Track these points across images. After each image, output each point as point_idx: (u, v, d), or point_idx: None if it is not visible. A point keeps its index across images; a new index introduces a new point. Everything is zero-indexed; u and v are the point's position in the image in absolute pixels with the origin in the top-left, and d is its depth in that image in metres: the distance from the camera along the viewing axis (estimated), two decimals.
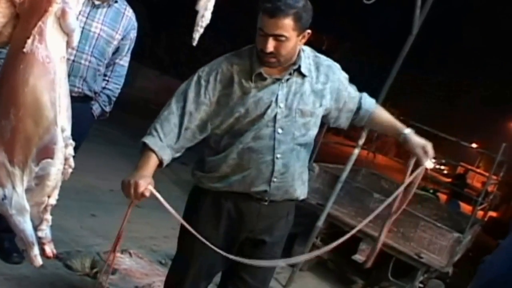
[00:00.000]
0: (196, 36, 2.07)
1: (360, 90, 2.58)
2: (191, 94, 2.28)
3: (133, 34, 3.18)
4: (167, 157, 2.25)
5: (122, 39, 3.11)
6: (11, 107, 1.50)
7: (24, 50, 1.47)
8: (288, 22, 2.13)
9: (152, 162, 2.21)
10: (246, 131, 2.29)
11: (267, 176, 2.32)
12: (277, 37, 2.16)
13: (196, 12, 2.05)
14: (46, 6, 1.47)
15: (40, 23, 1.47)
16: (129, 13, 3.13)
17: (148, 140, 2.22)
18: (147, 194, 2.10)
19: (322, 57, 2.44)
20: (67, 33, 1.53)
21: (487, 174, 7.53)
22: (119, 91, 3.30)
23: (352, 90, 2.51)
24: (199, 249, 2.36)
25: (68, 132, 1.63)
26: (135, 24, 3.16)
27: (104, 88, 3.21)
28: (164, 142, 2.24)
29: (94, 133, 7.73)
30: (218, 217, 2.38)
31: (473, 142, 20.08)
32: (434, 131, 6.23)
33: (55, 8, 1.48)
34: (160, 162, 2.24)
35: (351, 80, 2.54)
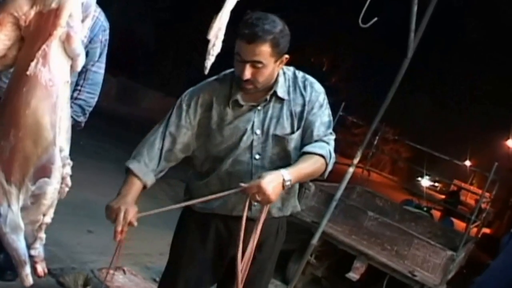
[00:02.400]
0: (208, 64, 2.09)
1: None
2: (173, 118, 2.32)
3: (104, 37, 2.86)
4: (150, 182, 2.28)
5: (89, 42, 2.80)
6: (12, 127, 1.51)
7: (28, 72, 1.48)
8: (265, 49, 2.12)
9: (136, 187, 2.24)
10: (225, 157, 2.31)
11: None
12: (254, 64, 2.14)
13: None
14: (51, 29, 1.48)
15: (44, 46, 1.48)
16: (96, 13, 2.80)
17: (132, 165, 2.25)
18: (135, 223, 2.13)
19: (301, 78, 2.39)
20: (72, 57, 1.54)
21: (480, 191, 7.58)
22: (94, 100, 2.97)
23: (320, 128, 2.34)
24: (186, 262, 2.40)
25: (66, 152, 1.64)
26: (105, 24, 2.85)
27: (76, 98, 2.89)
28: (149, 167, 2.27)
29: (95, 150, 7.80)
30: (206, 231, 2.40)
31: (467, 159, 20.19)
32: (428, 150, 6.29)
33: (59, 32, 1.49)
34: (144, 186, 2.27)
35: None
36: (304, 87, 2.36)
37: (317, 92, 2.38)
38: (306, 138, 2.34)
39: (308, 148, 2.27)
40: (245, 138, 2.29)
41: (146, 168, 2.26)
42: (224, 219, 2.39)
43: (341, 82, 19.17)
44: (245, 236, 2.40)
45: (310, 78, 2.41)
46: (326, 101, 2.41)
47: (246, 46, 2.11)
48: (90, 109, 2.98)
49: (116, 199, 2.16)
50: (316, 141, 2.31)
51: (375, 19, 3.11)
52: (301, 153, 2.28)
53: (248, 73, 2.15)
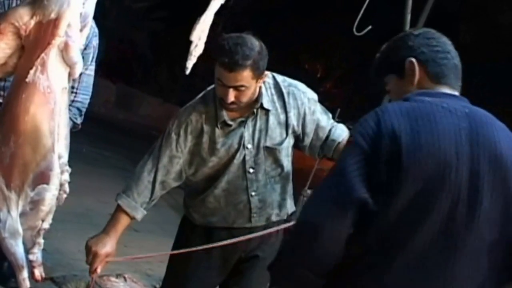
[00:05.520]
0: (189, 65, 2.09)
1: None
2: (164, 149, 2.32)
3: (95, 42, 3.05)
4: (139, 215, 2.33)
5: (84, 48, 2.88)
6: (12, 134, 1.55)
7: (27, 80, 1.52)
8: (246, 74, 2.13)
9: (122, 223, 2.31)
10: (220, 175, 2.34)
11: (246, 214, 2.38)
12: (237, 88, 2.15)
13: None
14: (50, 39, 1.53)
15: (43, 54, 1.53)
16: None
17: (121, 201, 2.30)
18: (99, 270, 2.23)
19: (283, 83, 2.40)
20: (70, 65, 1.59)
21: None
22: (88, 101, 3.16)
23: (323, 118, 2.44)
24: (191, 271, 2.42)
25: (65, 159, 1.66)
26: (96, 30, 3.03)
27: (73, 101, 3.05)
28: (138, 202, 2.31)
29: (95, 157, 7.79)
30: (210, 240, 2.41)
31: None
32: None
33: (58, 41, 1.54)
34: (133, 218, 2.33)
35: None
36: (289, 93, 2.37)
37: (304, 92, 2.41)
38: (320, 132, 2.41)
39: (338, 138, 2.40)
40: (238, 154, 2.31)
41: (134, 203, 2.30)
42: (227, 229, 2.42)
43: (336, 88, 19.14)
44: (247, 244, 2.43)
45: (292, 81, 2.43)
46: (315, 96, 2.45)
47: (228, 74, 2.12)
48: (85, 110, 3.12)
49: (96, 237, 2.26)
50: (330, 129, 2.42)
51: (370, 27, 3.12)
52: (336, 144, 2.39)
53: (231, 96, 2.16)
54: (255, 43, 2.17)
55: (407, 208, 1.34)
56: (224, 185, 2.34)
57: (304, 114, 2.38)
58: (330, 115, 2.49)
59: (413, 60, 1.56)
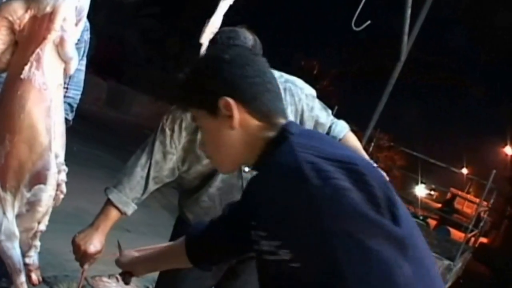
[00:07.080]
0: None
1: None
2: (157, 145, 2.29)
3: (87, 36, 2.97)
4: (130, 211, 2.30)
5: (76, 43, 3.01)
6: (7, 132, 1.51)
7: (22, 76, 1.48)
8: None
9: (111, 218, 2.27)
10: (215, 174, 2.31)
11: None
12: None
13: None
14: (45, 33, 1.49)
15: (38, 50, 1.49)
16: None
17: (112, 196, 2.26)
18: (86, 266, 2.20)
19: (280, 79, 2.37)
20: (65, 61, 1.55)
21: (477, 200, 7.58)
22: (79, 96, 3.06)
23: (322, 114, 2.43)
24: (185, 272, 2.39)
25: (61, 158, 1.63)
26: (88, 25, 2.91)
27: (64, 96, 3.09)
28: (129, 197, 2.28)
29: (86, 157, 7.78)
30: None
31: (464, 167, 20.21)
32: (424, 156, 6.29)
33: (53, 35, 1.50)
34: (124, 213, 2.30)
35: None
36: (285, 89, 2.34)
37: (302, 88, 2.39)
38: (319, 129, 2.40)
39: (339, 134, 2.41)
40: None
41: (126, 198, 2.27)
42: None
43: (333, 86, 19.28)
44: None
45: (289, 77, 2.41)
46: (313, 92, 2.44)
47: None
48: (76, 105, 3.04)
49: (84, 232, 2.21)
50: (330, 126, 2.43)
51: (368, 22, 3.11)
52: (339, 139, 2.40)
53: None
54: (249, 37, 2.16)
55: None
56: (219, 183, 2.31)
57: (302, 110, 2.36)
58: (330, 111, 2.47)
59: (229, 100, 1.31)
